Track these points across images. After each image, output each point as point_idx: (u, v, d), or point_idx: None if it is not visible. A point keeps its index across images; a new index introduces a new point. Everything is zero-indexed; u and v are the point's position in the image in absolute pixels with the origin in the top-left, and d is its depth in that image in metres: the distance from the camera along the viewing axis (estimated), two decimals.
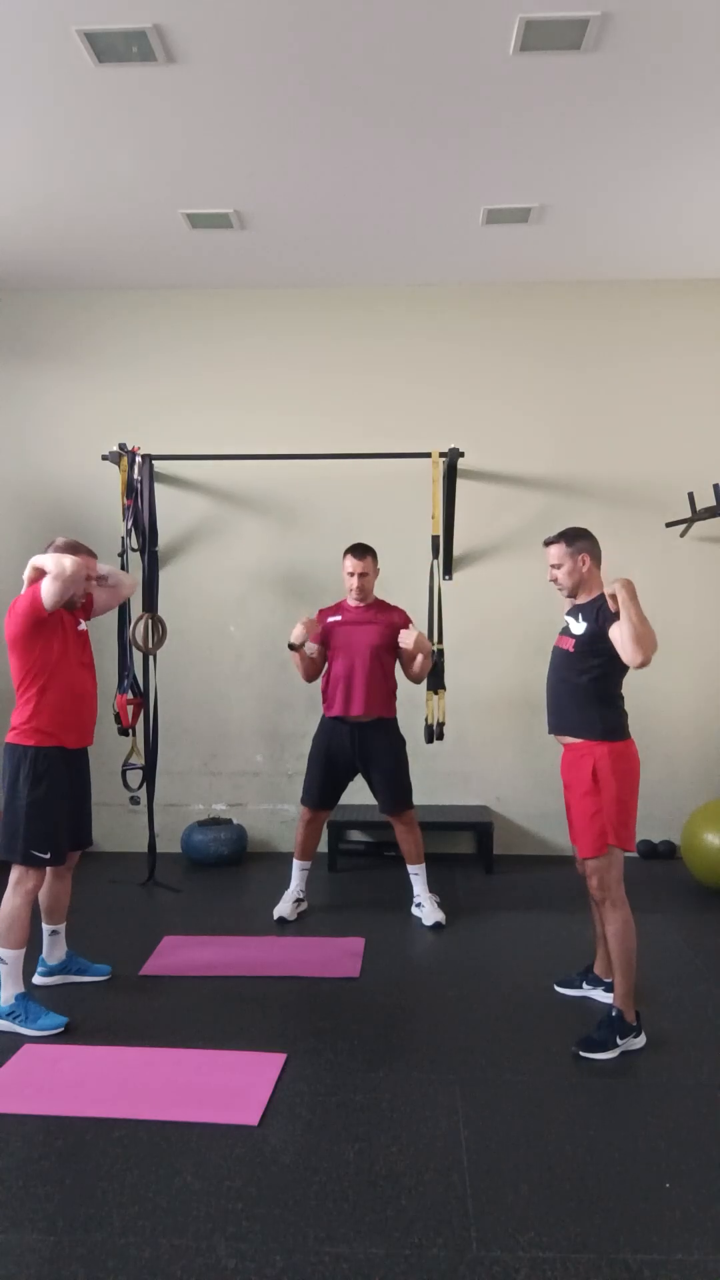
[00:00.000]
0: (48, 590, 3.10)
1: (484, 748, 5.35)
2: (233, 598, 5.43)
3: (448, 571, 5.18)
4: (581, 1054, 2.95)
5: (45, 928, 3.51)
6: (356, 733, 4.19)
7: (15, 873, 3.20)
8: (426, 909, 4.21)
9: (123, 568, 4.74)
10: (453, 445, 4.93)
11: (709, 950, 3.87)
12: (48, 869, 3.28)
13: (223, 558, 5.42)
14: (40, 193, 4.23)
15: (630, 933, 3.02)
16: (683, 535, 5.19)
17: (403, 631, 4.13)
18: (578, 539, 3.18)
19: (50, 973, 3.54)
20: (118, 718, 4.65)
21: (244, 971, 3.64)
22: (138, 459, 4.88)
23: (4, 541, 5.34)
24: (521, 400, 5.31)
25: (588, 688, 3.07)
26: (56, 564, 3.10)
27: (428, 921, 4.16)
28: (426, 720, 4.66)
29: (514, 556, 5.29)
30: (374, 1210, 2.22)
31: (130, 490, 4.86)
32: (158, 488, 5.14)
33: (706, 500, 4.94)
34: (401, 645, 4.13)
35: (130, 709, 4.64)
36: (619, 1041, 2.97)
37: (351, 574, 4.22)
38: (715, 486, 4.63)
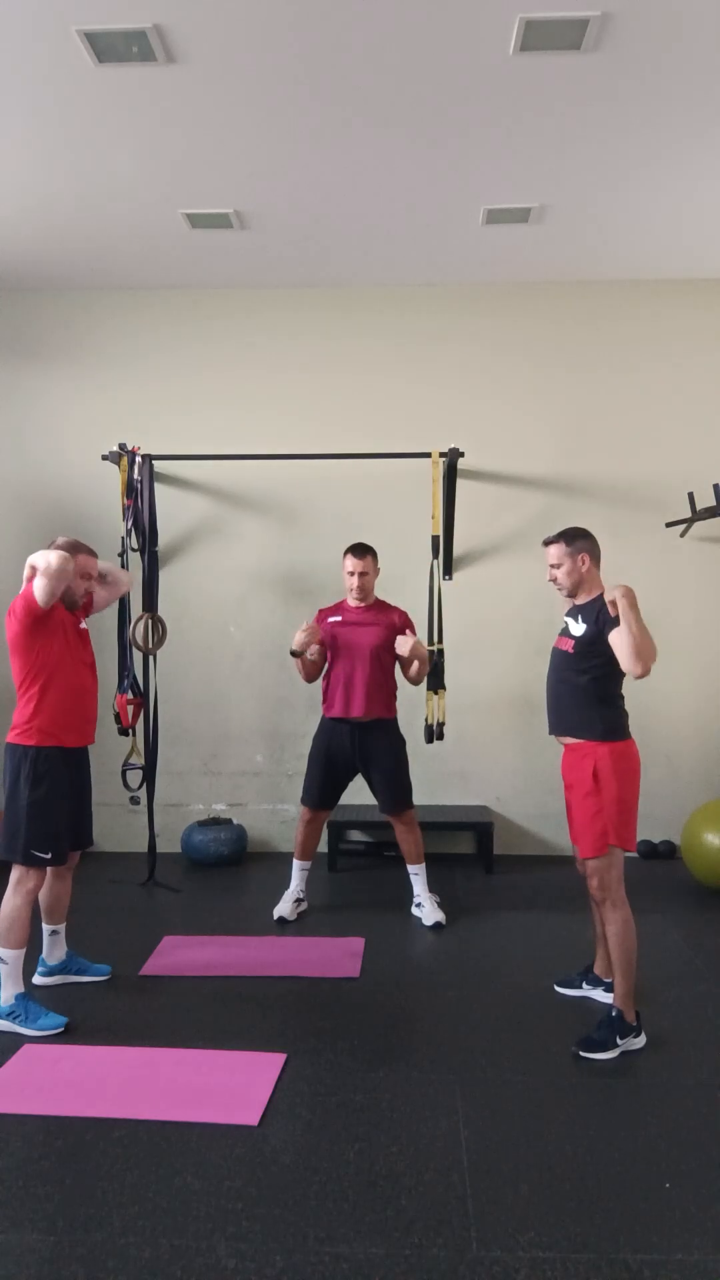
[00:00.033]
0: (38, 587, 3.11)
1: (484, 748, 5.35)
2: (233, 598, 5.43)
3: (448, 571, 5.19)
4: (581, 1054, 2.95)
5: (45, 928, 3.51)
6: (357, 733, 4.19)
7: (16, 873, 3.20)
8: (426, 909, 4.21)
9: (123, 567, 4.75)
10: (453, 445, 4.93)
11: (709, 950, 3.87)
12: (48, 869, 3.29)
13: (223, 558, 5.42)
14: (40, 193, 4.23)
15: (630, 933, 3.02)
16: (683, 535, 5.19)
17: (399, 639, 4.12)
18: (577, 539, 3.18)
19: (50, 973, 3.54)
20: (118, 718, 4.65)
21: (244, 971, 3.64)
22: (138, 459, 4.88)
23: (4, 541, 5.34)
24: (521, 400, 5.31)
25: (588, 688, 3.07)
26: (44, 560, 3.09)
27: (428, 921, 4.16)
28: (426, 720, 4.66)
29: (514, 556, 5.29)
30: (374, 1210, 2.22)
31: (130, 490, 4.86)
32: (158, 488, 5.14)
33: (706, 500, 4.94)
34: (398, 652, 4.13)
35: (130, 709, 4.64)
36: (619, 1041, 2.97)
37: (352, 573, 4.22)
38: (715, 486, 4.63)
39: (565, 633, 3.19)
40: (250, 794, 5.45)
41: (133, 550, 4.88)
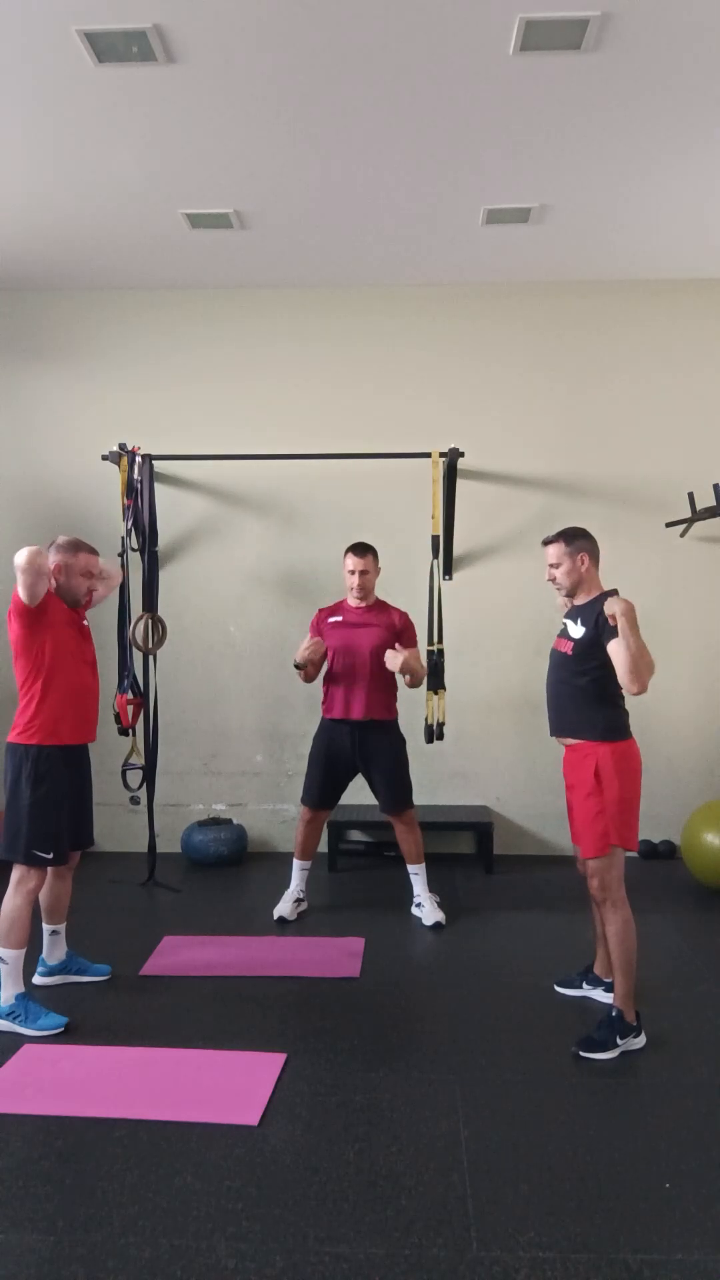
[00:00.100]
0: (18, 585, 3.11)
1: (484, 748, 5.35)
2: (233, 598, 5.43)
3: (448, 571, 5.19)
4: (581, 1054, 2.95)
5: (45, 928, 3.51)
6: (357, 734, 4.19)
7: (17, 872, 3.20)
8: (426, 909, 4.21)
9: (123, 567, 4.75)
10: (453, 445, 4.94)
11: (709, 950, 3.87)
12: (49, 869, 3.29)
13: (223, 558, 5.42)
14: (40, 193, 4.23)
15: (630, 933, 3.02)
16: (683, 535, 5.19)
17: (388, 654, 4.09)
18: (576, 538, 3.18)
19: (50, 973, 3.54)
20: (118, 718, 4.65)
21: (244, 971, 3.64)
22: (138, 459, 4.88)
23: (4, 542, 5.34)
24: (521, 400, 5.31)
25: (587, 689, 3.07)
26: (16, 558, 3.09)
27: (428, 921, 4.16)
28: (426, 720, 4.66)
29: (514, 556, 5.29)
30: (374, 1210, 2.22)
31: (130, 490, 4.86)
32: (158, 488, 5.14)
33: (706, 500, 4.94)
34: (389, 667, 4.11)
35: (130, 709, 4.64)
36: (619, 1041, 2.97)
37: (353, 572, 4.22)
38: (715, 486, 4.63)
39: (564, 634, 3.19)
40: (250, 794, 5.45)
41: (133, 550, 4.89)
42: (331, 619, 4.29)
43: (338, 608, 4.34)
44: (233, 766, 5.45)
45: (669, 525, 5.20)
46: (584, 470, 5.30)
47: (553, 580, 3.22)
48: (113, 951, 3.78)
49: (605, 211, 4.44)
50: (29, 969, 3.41)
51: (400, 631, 4.24)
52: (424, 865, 4.31)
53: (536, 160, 3.96)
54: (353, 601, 4.29)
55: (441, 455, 4.88)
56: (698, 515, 4.88)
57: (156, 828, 4.98)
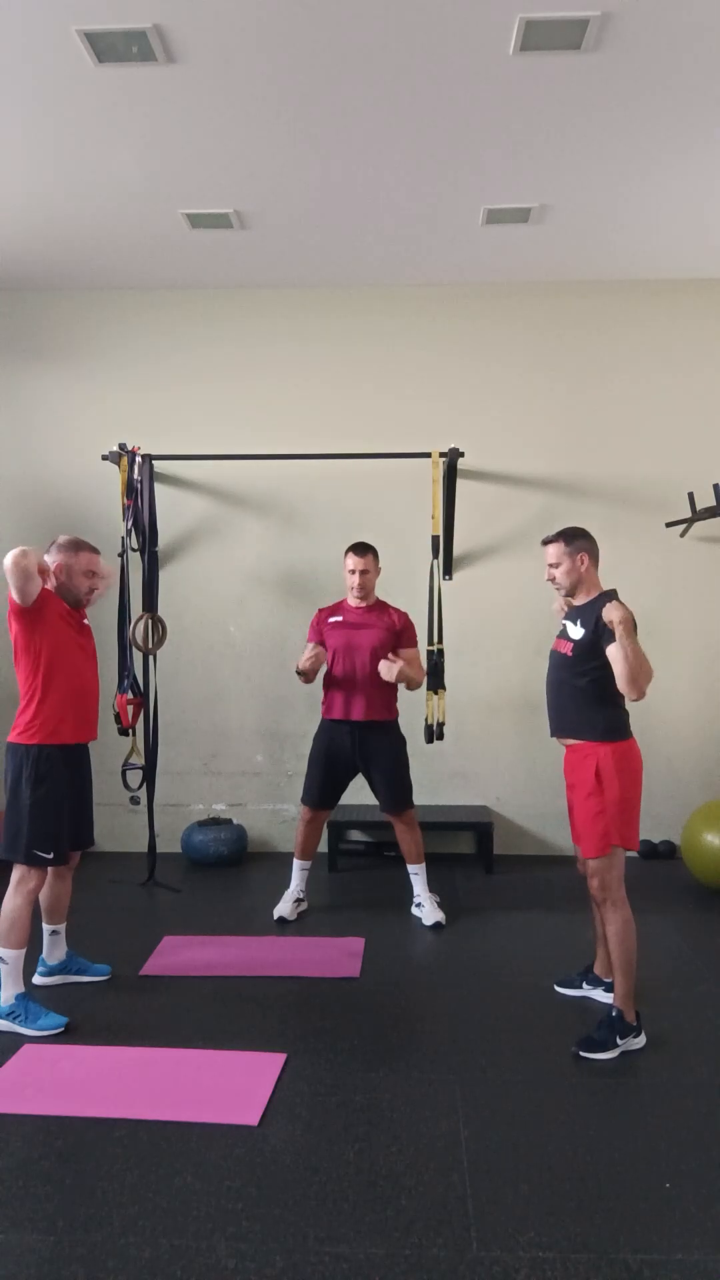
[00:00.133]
0: (10, 586, 3.10)
1: (484, 748, 5.35)
2: (233, 598, 5.43)
3: (448, 571, 5.19)
4: (581, 1054, 2.95)
5: (45, 928, 3.51)
6: (357, 734, 4.19)
7: (17, 872, 3.20)
8: (426, 909, 4.21)
9: (123, 568, 4.76)
10: (453, 445, 4.94)
11: (709, 950, 3.87)
12: (49, 869, 3.29)
13: (223, 558, 5.42)
14: (41, 192, 4.23)
15: (630, 933, 3.02)
16: (683, 535, 5.19)
17: (382, 664, 4.07)
18: (576, 538, 3.18)
19: (50, 973, 3.54)
20: (118, 718, 4.65)
21: (244, 971, 3.64)
22: (138, 459, 4.88)
23: (4, 542, 5.33)
24: (521, 400, 5.31)
25: (587, 689, 3.07)
26: (3, 561, 3.08)
27: (428, 921, 4.16)
28: (426, 720, 4.66)
29: (514, 556, 5.29)
30: (374, 1210, 2.22)
31: (130, 490, 4.86)
32: (158, 488, 5.14)
33: (706, 500, 4.94)
34: (384, 678, 4.09)
35: (130, 709, 4.64)
36: (619, 1041, 2.97)
37: (353, 571, 4.22)
38: (715, 486, 4.63)
39: (564, 635, 3.19)
40: (250, 794, 5.45)
41: (133, 550, 4.89)
42: (332, 619, 4.29)
43: (338, 608, 4.34)
44: (233, 766, 5.45)
45: (669, 525, 5.20)
46: (584, 470, 5.30)
47: (552, 580, 3.22)
48: (113, 951, 3.78)
49: (605, 211, 4.44)
50: (29, 969, 3.41)
51: (400, 632, 4.24)
52: (424, 865, 4.31)
53: (536, 160, 3.96)
54: (353, 601, 4.29)
55: (441, 455, 4.88)
56: (698, 515, 4.88)
57: (156, 828, 4.98)
